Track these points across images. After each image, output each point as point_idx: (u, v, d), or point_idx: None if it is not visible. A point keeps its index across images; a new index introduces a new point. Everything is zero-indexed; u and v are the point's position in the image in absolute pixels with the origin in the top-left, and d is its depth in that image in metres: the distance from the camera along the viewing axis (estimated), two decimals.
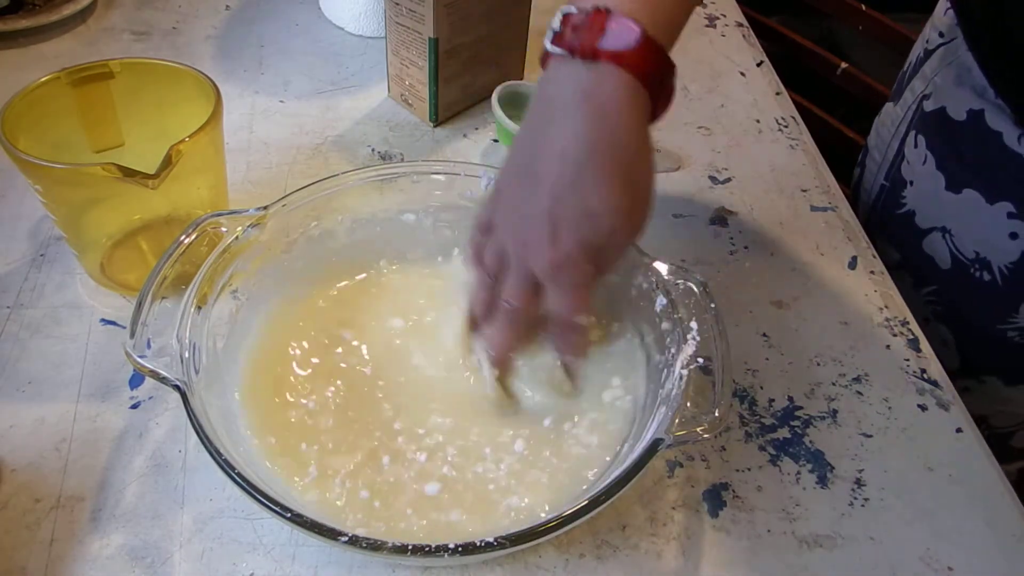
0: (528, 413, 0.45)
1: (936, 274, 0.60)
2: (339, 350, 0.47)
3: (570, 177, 0.39)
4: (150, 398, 0.47)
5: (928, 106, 0.61)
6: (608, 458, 0.43)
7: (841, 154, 0.77)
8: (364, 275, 0.52)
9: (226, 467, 0.36)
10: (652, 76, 0.38)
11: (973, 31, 0.55)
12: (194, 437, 0.37)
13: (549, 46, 0.39)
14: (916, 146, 0.62)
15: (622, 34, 0.37)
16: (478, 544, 0.34)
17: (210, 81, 0.51)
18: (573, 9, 0.39)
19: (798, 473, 0.46)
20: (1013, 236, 0.55)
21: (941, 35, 0.61)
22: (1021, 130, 0.53)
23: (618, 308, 0.49)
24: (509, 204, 0.42)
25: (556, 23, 0.39)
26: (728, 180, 0.66)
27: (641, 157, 0.40)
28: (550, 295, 0.42)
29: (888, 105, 0.68)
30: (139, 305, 0.41)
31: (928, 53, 0.62)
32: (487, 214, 0.44)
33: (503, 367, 0.45)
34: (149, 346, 0.40)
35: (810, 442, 0.48)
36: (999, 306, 0.58)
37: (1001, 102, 0.53)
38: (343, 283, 0.51)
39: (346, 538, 0.34)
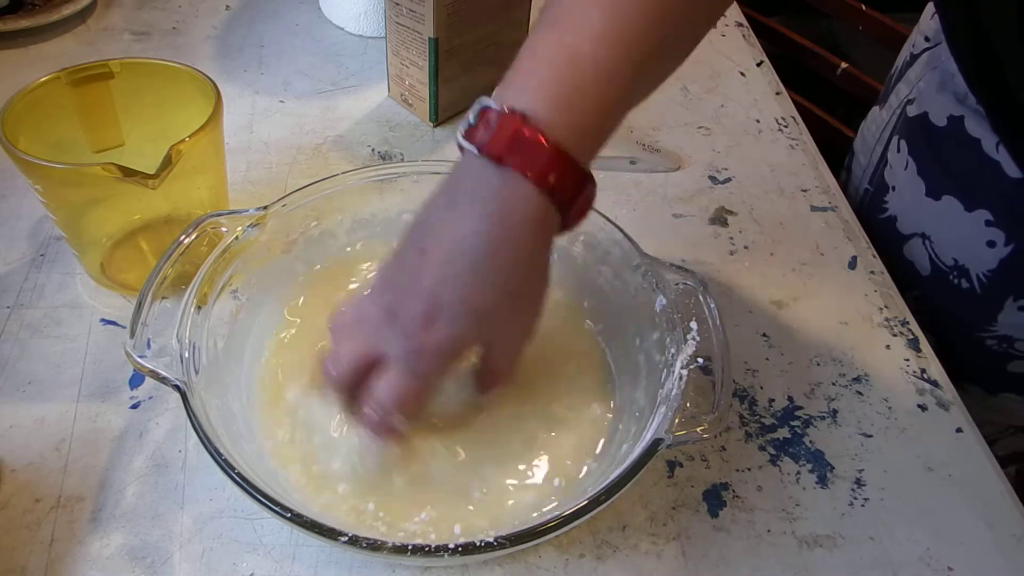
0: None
1: (917, 280, 0.60)
2: None
3: (462, 267, 0.36)
4: (150, 398, 0.47)
5: (911, 111, 0.60)
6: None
7: (841, 154, 0.77)
8: (364, 275, 0.52)
9: (226, 467, 0.36)
10: (560, 190, 0.36)
11: (955, 36, 0.55)
12: (194, 437, 0.37)
13: (460, 139, 0.36)
14: (899, 151, 0.61)
15: (529, 146, 0.35)
16: (478, 544, 0.34)
17: (210, 81, 0.51)
18: (492, 104, 0.36)
19: (798, 473, 0.46)
20: (991, 244, 0.54)
21: (927, 39, 0.60)
22: (999, 137, 0.52)
23: (617, 308, 0.49)
24: (393, 271, 0.39)
25: (472, 115, 0.36)
26: (728, 180, 0.66)
27: (537, 277, 0.39)
28: (385, 379, 0.39)
29: (874, 109, 0.68)
30: (139, 305, 0.41)
31: (914, 58, 0.62)
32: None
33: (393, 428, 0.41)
34: (149, 346, 0.40)
35: (810, 442, 0.48)
36: (978, 314, 0.58)
37: (981, 108, 0.53)
38: (343, 283, 0.51)
39: (346, 538, 0.34)
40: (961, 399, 0.51)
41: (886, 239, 0.62)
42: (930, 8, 0.62)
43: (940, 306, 0.59)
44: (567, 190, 0.36)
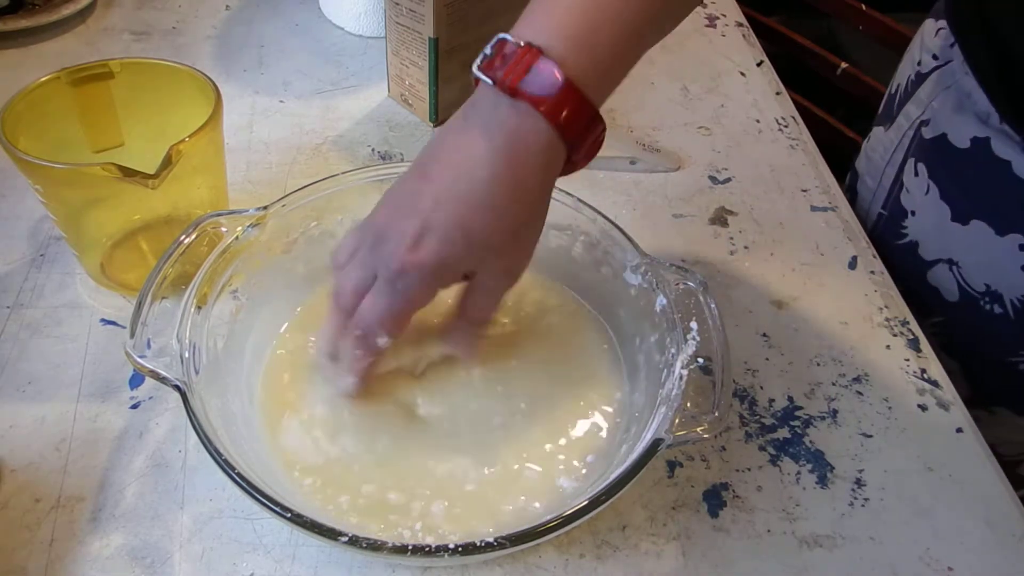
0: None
1: (942, 306, 0.58)
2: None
3: (461, 191, 0.37)
4: (150, 398, 0.47)
5: (927, 133, 0.58)
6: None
7: (841, 154, 0.77)
8: None
9: (226, 467, 0.36)
10: (571, 127, 0.36)
11: (973, 55, 0.54)
12: (194, 437, 0.37)
13: (475, 70, 0.37)
14: (916, 175, 0.59)
15: (544, 80, 0.35)
16: (478, 544, 0.34)
17: (210, 81, 0.51)
18: (509, 37, 0.37)
19: (798, 473, 0.46)
20: None
21: (935, 57, 0.59)
22: None
23: (617, 308, 0.49)
24: (393, 192, 0.40)
25: (488, 48, 0.37)
26: (728, 180, 0.66)
27: (536, 211, 0.39)
28: (370, 295, 0.39)
29: (877, 130, 0.67)
30: (139, 305, 0.41)
31: (921, 76, 0.60)
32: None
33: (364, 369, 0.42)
34: (149, 346, 0.40)
35: (810, 442, 0.48)
36: (1011, 339, 0.56)
37: (1008, 128, 0.51)
38: None
39: (346, 538, 0.34)
40: (989, 421, 0.51)
41: (907, 266, 0.60)
42: (931, 25, 0.61)
43: (968, 332, 0.58)
44: (578, 127, 0.37)
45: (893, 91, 0.66)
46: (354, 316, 0.40)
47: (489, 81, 0.36)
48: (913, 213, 0.60)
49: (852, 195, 0.69)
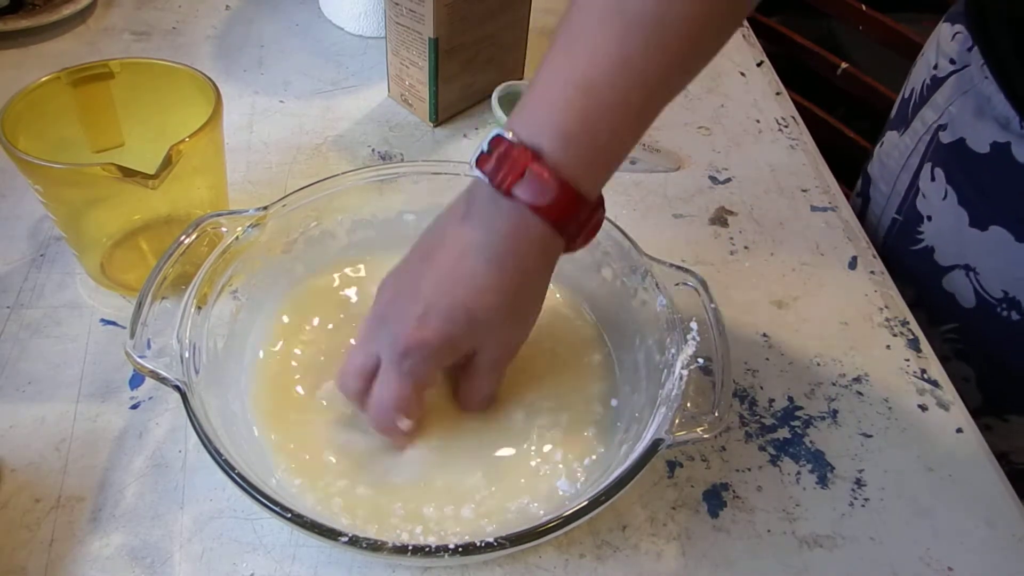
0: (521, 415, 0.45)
1: (957, 312, 0.58)
2: (341, 351, 0.47)
3: (464, 274, 0.38)
4: (150, 398, 0.47)
5: (945, 138, 0.57)
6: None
7: (841, 154, 0.77)
8: (364, 276, 0.52)
9: (226, 467, 0.36)
10: (568, 224, 0.38)
11: (994, 59, 0.53)
12: (194, 437, 0.37)
13: (472, 167, 0.37)
14: (933, 180, 0.59)
15: (539, 186, 0.36)
16: (478, 544, 0.34)
17: (210, 81, 0.51)
18: (505, 135, 0.37)
19: (798, 473, 0.46)
20: None
21: (952, 62, 0.58)
22: None
23: (617, 309, 0.49)
24: (397, 274, 0.41)
25: (485, 144, 0.37)
26: (728, 180, 0.66)
27: (534, 298, 0.41)
28: (379, 382, 0.40)
29: (891, 134, 0.66)
30: (139, 305, 0.41)
31: (937, 81, 0.59)
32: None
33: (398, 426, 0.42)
34: (149, 346, 0.40)
35: (810, 442, 0.48)
36: None
37: None
38: (343, 283, 0.51)
39: (346, 538, 0.34)
40: (1001, 429, 0.50)
41: (922, 272, 0.60)
42: (947, 29, 0.60)
43: (984, 339, 0.57)
44: (575, 223, 0.38)
45: (907, 95, 0.65)
46: (369, 411, 0.41)
47: (486, 180, 0.37)
48: (929, 218, 0.59)
49: (864, 200, 0.69)
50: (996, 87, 0.53)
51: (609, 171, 0.39)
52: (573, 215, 0.38)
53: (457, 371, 0.44)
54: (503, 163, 0.36)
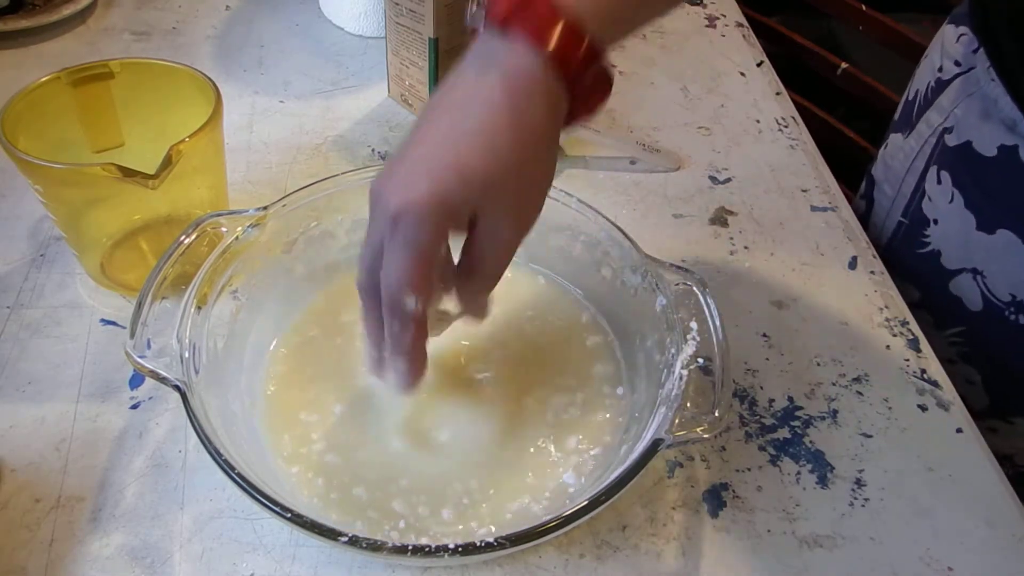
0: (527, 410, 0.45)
1: (964, 316, 0.58)
2: (341, 351, 0.47)
3: (454, 129, 0.34)
4: (150, 398, 0.47)
5: (951, 140, 0.57)
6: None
7: (841, 154, 0.77)
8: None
9: (226, 467, 0.36)
10: (565, 59, 0.34)
11: (1000, 61, 0.53)
12: (194, 437, 0.37)
13: (469, 14, 0.36)
14: (939, 183, 0.58)
15: (540, 17, 0.34)
16: (478, 544, 0.34)
17: (210, 81, 0.51)
18: None
19: (798, 473, 0.46)
20: None
21: (957, 64, 0.58)
22: None
23: (617, 308, 0.49)
24: (387, 161, 0.37)
25: None
26: (728, 180, 0.66)
27: (540, 153, 0.36)
28: (384, 263, 0.35)
29: (895, 136, 0.66)
30: (139, 305, 0.41)
31: (942, 83, 0.59)
32: None
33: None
34: (149, 346, 0.40)
35: (810, 442, 0.48)
36: None
37: None
38: (343, 283, 0.51)
39: (346, 538, 0.34)
40: (1007, 431, 0.50)
41: (928, 275, 0.59)
42: (951, 31, 0.60)
43: (991, 342, 0.57)
44: (571, 60, 0.34)
45: (911, 97, 0.65)
46: (382, 300, 0.37)
47: (485, 18, 0.34)
48: (936, 222, 0.59)
49: (868, 203, 0.68)
50: (1003, 89, 0.53)
51: (620, 24, 0.36)
52: (570, 46, 0.34)
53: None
54: None
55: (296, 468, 0.42)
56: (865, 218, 0.68)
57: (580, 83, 0.35)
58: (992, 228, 0.54)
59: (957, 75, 0.58)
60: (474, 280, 0.38)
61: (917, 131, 0.62)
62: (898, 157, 0.64)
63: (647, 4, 0.37)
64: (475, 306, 0.41)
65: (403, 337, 0.37)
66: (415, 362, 0.38)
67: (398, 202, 0.34)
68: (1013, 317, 0.55)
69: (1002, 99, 0.53)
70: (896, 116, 0.68)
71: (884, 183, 0.66)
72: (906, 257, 0.61)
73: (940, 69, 0.60)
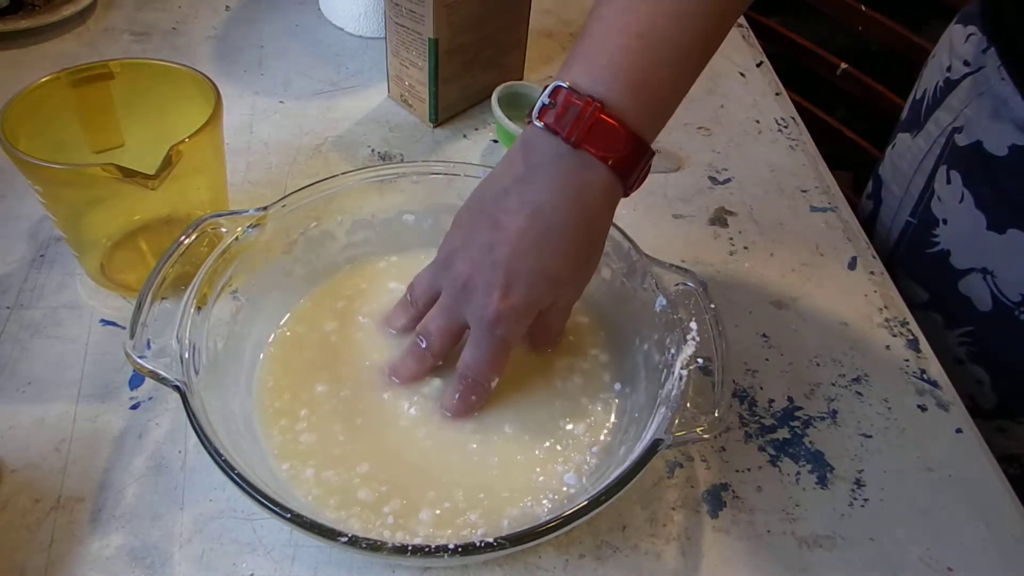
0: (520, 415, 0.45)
1: (973, 316, 0.58)
2: (341, 351, 0.47)
3: (537, 237, 0.39)
4: (150, 399, 0.47)
5: (961, 140, 0.57)
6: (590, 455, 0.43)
7: (841, 154, 0.77)
8: (364, 275, 0.52)
9: (226, 467, 0.35)
10: (631, 171, 0.39)
11: (1011, 60, 0.53)
12: (194, 438, 0.37)
13: (536, 119, 0.39)
14: (949, 182, 0.58)
15: (609, 136, 0.37)
16: (478, 544, 0.34)
17: (210, 82, 0.51)
18: (564, 85, 0.38)
19: (798, 473, 0.46)
20: None
21: (966, 64, 0.58)
22: None
23: (617, 309, 0.49)
24: (465, 243, 0.41)
25: (546, 96, 0.38)
26: (728, 180, 0.66)
27: (600, 243, 0.42)
28: (473, 346, 0.42)
29: (904, 136, 0.65)
30: (139, 305, 0.41)
31: (951, 83, 0.59)
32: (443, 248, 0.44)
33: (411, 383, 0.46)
34: (149, 347, 0.40)
35: (810, 442, 0.48)
36: None
37: None
38: (342, 283, 0.51)
39: (346, 539, 0.34)
40: (1015, 431, 0.50)
41: (937, 275, 0.59)
42: (960, 31, 0.60)
43: (1000, 342, 0.57)
44: (633, 166, 0.39)
45: (918, 97, 0.65)
46: (461, 370, 0.43)
47: (552, 132, 0.38)
48: (945, 221, 0.59)
49: (876, 202, 0.68)
50: (1013, 89, 0.53)
51: (665, 120, 0.41)
52: (636, 161, 0.39)
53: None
54: (569, 114, 0.37)
55: (296, 469, 0.42)
56: (872, 218, 0.68)
57: (638, 176, 0.40)
58: (1003, 228, 0.54)
59: (966, 75, 0.58)
60: (546, 341, 0.47)
61: (926, 131, 0.62)
62: (906, 157, 0.64)
63: (689, 86, 0.41)
64: (546, 346, 0.48)
65: (468, 401, 0.44)
66: (479, 403, 0.45)
67: (501, 308, 0.40)
68: (1023, 317, 0.55)
69: (1013, 99, 0.53)
70: (903, 116, 0.67)
71: (892, 183, 0.66)
72: (915, 257, 0.61)
73: (949, 69, 0.60)
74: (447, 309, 0.43)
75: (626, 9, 0.38)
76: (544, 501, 0.41)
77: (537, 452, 0.43)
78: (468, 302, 0.41)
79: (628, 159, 0.38)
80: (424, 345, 0.44)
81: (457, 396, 0.44)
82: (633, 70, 0.37)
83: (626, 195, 0.41)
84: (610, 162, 0.38)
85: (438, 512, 0.40)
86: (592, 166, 0.38)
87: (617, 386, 0.47)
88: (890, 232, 0.65)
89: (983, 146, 0.55)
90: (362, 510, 0.40)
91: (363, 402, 0.45)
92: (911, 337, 0.54)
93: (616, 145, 0.38)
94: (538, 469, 0.43)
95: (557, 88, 0.38)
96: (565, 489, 0.42)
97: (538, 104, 0.39)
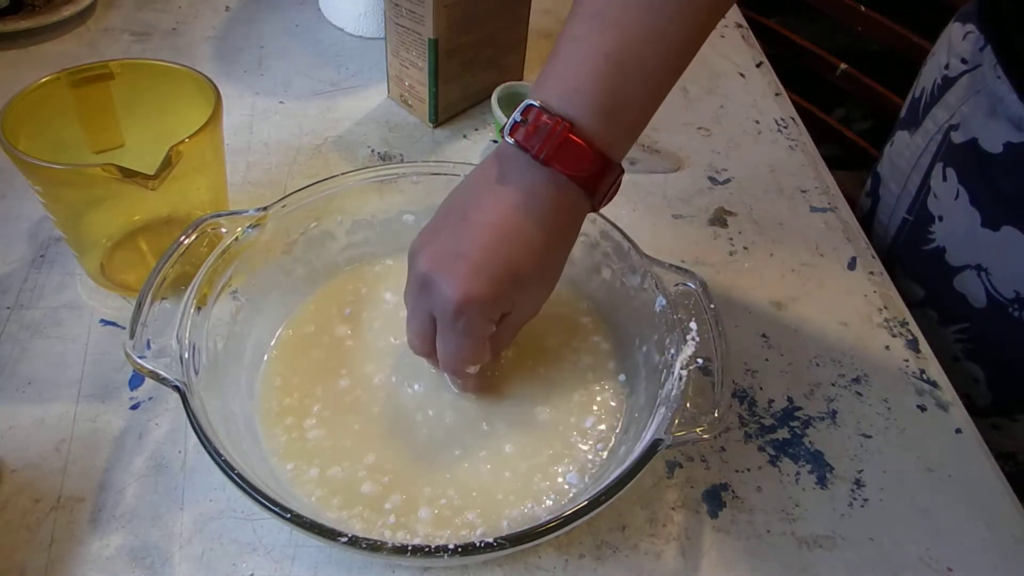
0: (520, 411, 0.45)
1: (968, 313, 0.58)
2: (341, 351, 0.47)
3: (506, 234, 0.39)
4: (150, 399, 0.47)
5: (957, 138, 0.57)
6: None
7: (840, 155, 0.77)
8: (364, 276, 0.52)
9: (226, 468, 0.36)
10: (600, 188, 0.40)
11: (1007, 59, 0.53)
12: (194, 438, 0.37)
13: (507, 136, 0.39)
14: (945, 179, 0.58)
15: (578, 156, 0.38)
16: (478, 544, 0.34)
17: (210, 82, 0.51)
18: (536, 104, 0.39)
19: (798, 474, 0.46)
20: None
21: (964, 61, 0.58)
22: None
23: (617, 309, 0.49)
24: (432, 240, 0.41)
25: (518, 114, 0.39)
26: (728, 180, 0.66)
27: (563, 259, 0.42)
28: (440, 341, 0.42)
29: (902, 134, 0.66)
30: (139, 306, 0.41)
31: (949, 81, 0.59)
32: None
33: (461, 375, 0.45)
34: (149, 347, 0.40)
35: (809, 443, 0.48)
36: None
37: None
38: (342, 284, 0.51)
39: (346, 539, 0.34)
40: (1010, 428, 0.50)
41: (933, 271, 0.60)
42: (958, 29, 0.60)
43: (995, 339, 0.57)
44: (605, 187, 0.40)
45: (917, 95, 0.65)
46: (441, 366, 0.43)
47: (522, 151, 0.38)
48: (941, 218, 0.59)
49: (874, 200, 0.68)
50: (1009, 87, 0.53)
51: (635, 138, 0.41)
52: (605, 182, 0.40)
53: None
54: (539, 133, 0.38)
55: (296, 469, 0.42)
56: (871, 215, 0.68)
57: (606, 193, 0.41)
58: (997, 225, 0.54)
59: (963, 72, 0.58)
60: (493, 349, 0.44)
61: (923, 128, 0.62)
62: (904, 154, 0.64)
63: (658, 104, 0.41)
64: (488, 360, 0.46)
65: (466, 379, 0.45)
66: (474, 387, 0.46)
67: (462, 296, 0.39)
68: (1017, 314, 0.55)
69: (1008, 97, 0.53)
70: (902, 114, 0.68)
71: (890, 180, 0.66)
72: (911, 254, 0.62)
73: (947, 66, 0.60)
74: (414, 311, 0.42)
75: (597, 30, 0.38)
76: (544, 502, 0.41)
77: (536, 453, 0.43)
78: (430, 297, 0.40)
79: (596, 177, 0.39)
80: (414, 351, 0.44)
81: (451, 382, 0.46)
82: (602, 92, 0.38)
83: (595, 210, 0.42)
84: (577, 180, 0.39)
85: (436, 511, 0.40)
86: (561, 182, 0.39)
87: (617, 387, 0.47)
88: (887, 229, 0.65)
89: (979, 143, 0.55)
90: (364, 509, 0.40)
91: (372, 397, 0.45)
92: (911, 337, 0.54)
93: (583, 164, 0.38)
94: (537, 470, 0.43)
95: (529, 107, 0.39)
96: (564, 490, 0.42)
97: (510, 121, 0.39)
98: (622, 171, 0.41)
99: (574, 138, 0.38)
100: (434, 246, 0.40)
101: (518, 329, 0.44)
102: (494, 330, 0.41)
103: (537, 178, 0.39)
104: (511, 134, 0.39)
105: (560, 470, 0.43)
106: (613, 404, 0.46)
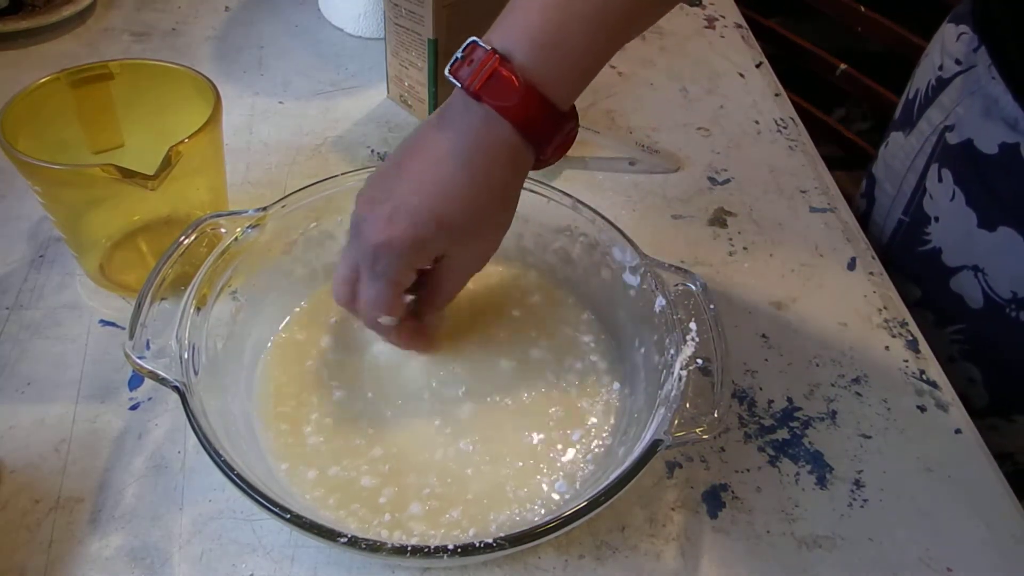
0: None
1: (965, 313, 0.58)
2: (340, 351, 0.47)
3: (432, 180, 0.39)
4: (149, 399, 0.47)
5: (952, 139, 0.58)
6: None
7: (840, 155, 0.77)
8: None
9: (225, 468, 0.36)
10: (535, 129, 0.38)
11: (1002, 60, 0.53)
12: (193, 438, 0.37)
13: (447, 72, 0.39)
14: (940, 180, 0.59)
15: (504, 87, 0.37)
16: (477, 545, 0.34)
17: (209, 82, 0.51)
18: (479, 41, 0.38)
19: (797, 474, 0.46)
20: None
21: (958, 62, 0.58)
22: None
23: (617, 309, 0.49)
24: (369, 187, 0.41)
25: (460, 51, 0.39)
26: (727, 181, 0.66)
27: (506, 207, 0.41)
28: (361, 286, 0.41)
29: (897, 135, 0.66)
30: (138, 306, 0.41)
31: (943, 82, 0.59)
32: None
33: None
34: (148, 347, 0.40)
35: (809, 443, 0.48)
36: None
37: None
38: None
39: (345, 539, 0.34)
40: (1008, 429, 0.50)
41: (929, 272, 0.60)
42: (952, 30, 0.60)
43: (992, 339, 0.57)
44: (542, 129, 0.39)
45: (911, 96, 0.65)
46: (359, 314, 0.43)
47: (457, 84, 0.38)
48: (937, 219, 0.59)
49: (869, 201, 0.68)
50: (1004, 88, 0.53)
51: (581, 82, 0.39)
52: (539, 120, 0.38)
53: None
54: (473, 67, 0.38)
55: (296, 469, 0.42)
56: (866, 216, 0.68)
57: (547, 140, 0.39)
58: (993, 225, 0.54)
59: (958, 73, 0.58)
60: (433, 302, 0.44)
61: (918, 129, 0.62)
62: (899, 155, 0.64)
63: (608, 52, 0.40)
64: (431, 312, 0.46)
65: (387, 334, 0.44)
66: (404, 341, 0.45)
67: (381, 238, 0.39)
68: (1014, 314, 0.55)
69: (1003, 98, 0.53)
70: (896, 115, 0.68)
71: (885, 181, 0.66)
72: (907, 255, 0.62)
73: (940, 67, 0.60)
74: (344, 258, 0.42)
75: None
76: (541, 504, 0.41)
77: (536, 453, 0.43)
78: (357, 239, 0.40)
79: (528, 114, 0.38)
80: (335, 299, 0.43)
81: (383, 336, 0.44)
82: (540, 26, 0.37)
83: (540, 164, 0.40)
84: (508, 114, 0.37)
85: (427, 508, 0.40)
86: (496, 122, 0.38)
87: (617, 387, 0.47)
88: (883, 230, 0.65)
89: (974, 144, 0.56)
90: (361, 506, 0.40)
91: (365, 401, 0.45)
92: (910, 338, 0.54)
93: (512, 97, 0.37)
94: (537, 470, 0.42)
95: (471, 43, 0.39)
96: (556, 497, 0.41)
97: (453, 58, 0.39)
98: (575, 123, 0.40)
99: (503, 70, 0.37)
100: (368, 192, 0.40)
101: (457, 283, 0.43)
102: (413, 278, 0.41)
103: (472, 120, 0.38)
104: (451, 71, 0.38)
105: (560, 470, 0.42)
106: (613, 404, 0.46)
